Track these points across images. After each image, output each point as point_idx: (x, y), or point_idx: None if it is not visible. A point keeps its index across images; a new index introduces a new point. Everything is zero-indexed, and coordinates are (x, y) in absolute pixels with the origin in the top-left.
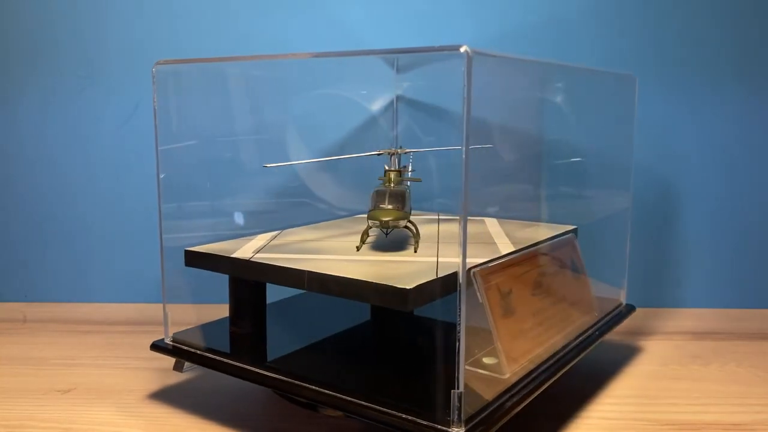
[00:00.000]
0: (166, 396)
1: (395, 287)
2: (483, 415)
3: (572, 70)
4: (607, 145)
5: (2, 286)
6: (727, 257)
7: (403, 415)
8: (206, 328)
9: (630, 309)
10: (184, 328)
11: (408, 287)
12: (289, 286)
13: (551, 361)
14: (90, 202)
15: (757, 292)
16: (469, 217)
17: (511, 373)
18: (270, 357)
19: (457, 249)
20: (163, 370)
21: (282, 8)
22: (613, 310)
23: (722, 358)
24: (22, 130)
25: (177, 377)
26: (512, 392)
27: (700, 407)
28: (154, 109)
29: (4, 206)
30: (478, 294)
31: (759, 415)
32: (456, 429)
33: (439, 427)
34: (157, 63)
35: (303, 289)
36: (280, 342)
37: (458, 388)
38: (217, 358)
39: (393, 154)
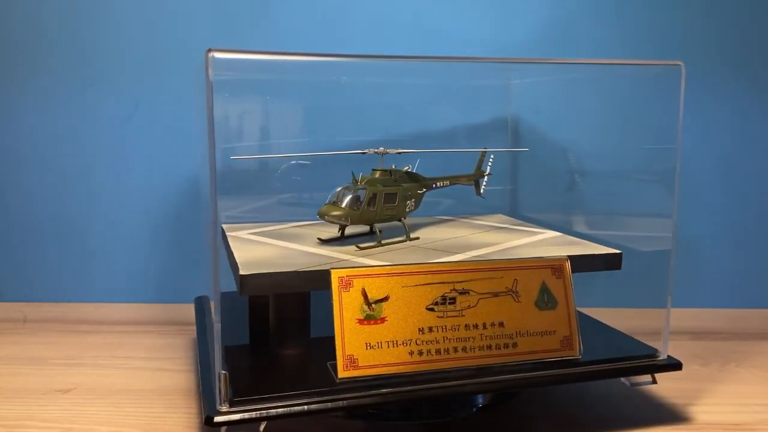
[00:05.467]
0: (165, 396)
1: (239, 272)
2: (265, 405)
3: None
4: (643, 157)
5: (2, 286)
6: (726, 257)
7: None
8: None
9: (671, 364)
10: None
11: (244, 273)
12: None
13: (433, 385)
14: (90, 202)
15: (757, 292)
16: (528, 228)
17: (342, 377)
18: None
19: (424, 255)
20: (162, 369)
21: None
22: (632, 357)
23: (722, 358)
24: (23, 130)
25: (176, 377)
26: (329, 397)
27: (701, 407)
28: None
29: (5, 206)
30: (330, 293)
31: (759, 415)
32: (220, 406)
33: (215, 404)
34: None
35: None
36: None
37: (218, 370)
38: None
39: (381, 153)
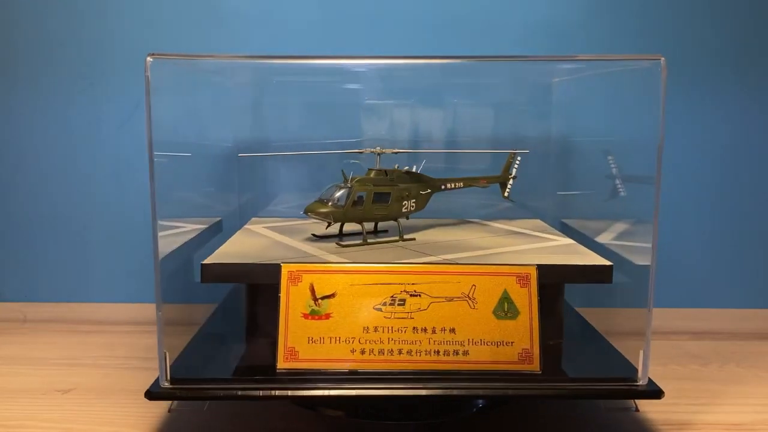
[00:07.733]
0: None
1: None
2: (202, 386)
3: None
4: (622, 163)
5: (2, 286)
6: (726, 257)
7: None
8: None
9: (650, 391)
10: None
11: (204, 262)
12: None
13: (372, 385)
14: (90, 202)
15: (756, 292)
16: (545, 234)
17: (281, 368)
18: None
19: (400, 255)
20: None
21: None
22: (606, 379)
23: (722, 358)
24: (22, 130)
25: None
26: (263, 385)
27: (700, 407)
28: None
29: (5, 206)
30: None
31: (759, 415)
32: (164, 382)
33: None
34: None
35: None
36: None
37: (161, 350)
38: None
39: (378, 153)
